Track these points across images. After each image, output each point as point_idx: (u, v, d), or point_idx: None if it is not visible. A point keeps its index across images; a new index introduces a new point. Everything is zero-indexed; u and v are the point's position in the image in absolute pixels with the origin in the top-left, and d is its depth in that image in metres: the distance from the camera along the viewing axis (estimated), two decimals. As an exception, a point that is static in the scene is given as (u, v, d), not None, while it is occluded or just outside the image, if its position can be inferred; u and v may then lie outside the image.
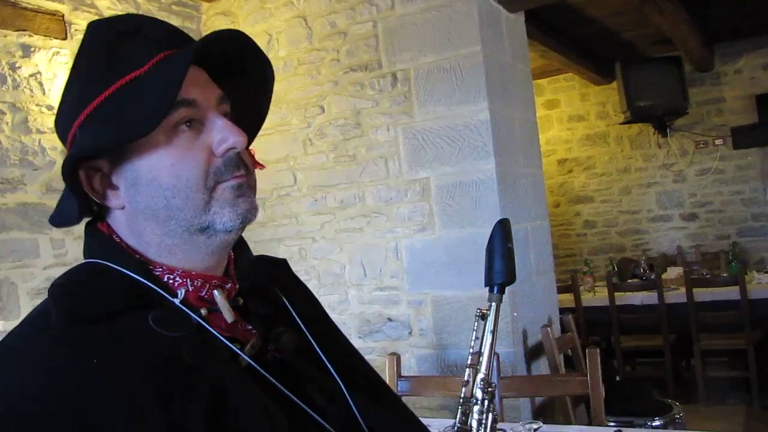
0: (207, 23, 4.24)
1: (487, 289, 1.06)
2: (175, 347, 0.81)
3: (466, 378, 1.06)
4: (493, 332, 1.05)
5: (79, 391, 0.73)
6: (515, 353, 3.23)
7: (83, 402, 0.72)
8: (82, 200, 0.88)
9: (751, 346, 4.84)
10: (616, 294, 5.31)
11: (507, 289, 3.40)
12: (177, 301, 0.87)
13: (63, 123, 0.90)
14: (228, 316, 0.91)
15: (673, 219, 7.77)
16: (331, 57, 3.77)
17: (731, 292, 4.93)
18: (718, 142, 7.48)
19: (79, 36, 3.43)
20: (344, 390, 0.97)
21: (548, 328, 3.23)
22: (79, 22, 3.46)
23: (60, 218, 0.91)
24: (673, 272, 5.84)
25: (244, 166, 0.90)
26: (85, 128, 0.86)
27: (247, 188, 0.90)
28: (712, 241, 7.54)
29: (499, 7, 3.53)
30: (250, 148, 1.00)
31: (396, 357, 2.73)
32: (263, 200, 4.01)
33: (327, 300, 3.72)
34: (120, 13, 3.63)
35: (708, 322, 5.03)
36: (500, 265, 1.06)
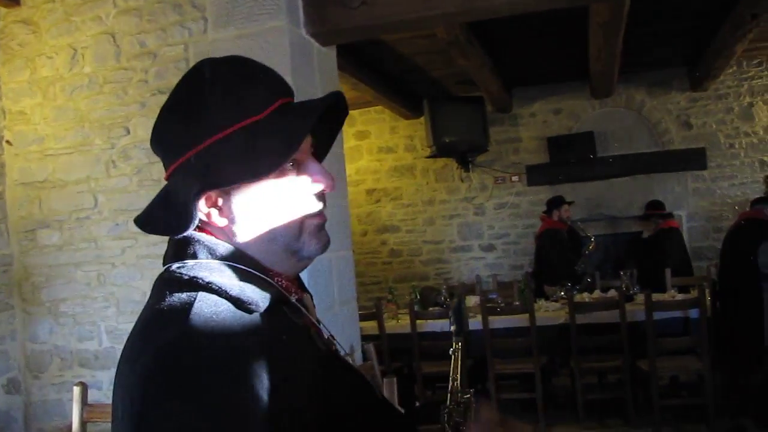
0: (4, 30, 3.97)
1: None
2: (304, 332, 1.07)
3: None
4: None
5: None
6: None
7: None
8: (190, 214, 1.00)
9: (539, 369, 5.21)
10: (417, 321, 5.50)
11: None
12: (294, 299, 1.07)
13: (170, 142, 1.06)
14: (313, 313, 1.14)
15: (473, 249, 8.23)
16: (139, 77, 3.66)
17: (522, 320, 5.29)
18: (514, 178, 8.04)
19: None
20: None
21: (349, 357, 3.29)
22: None
23: (162, 226, 1.05)
24: (471, 300, 6.12)
25: (323, 201, 1.10)
26: (202, 157, 1.00)
27: (324, 224, 1.11)
28: (507, 270, 8.05)
29: (311, 40, 3.59)
30: None
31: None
32: (60, 222, 3.79)
33: (127, 328, 3.56)
34: None
35: (501, 348, 5.35)
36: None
